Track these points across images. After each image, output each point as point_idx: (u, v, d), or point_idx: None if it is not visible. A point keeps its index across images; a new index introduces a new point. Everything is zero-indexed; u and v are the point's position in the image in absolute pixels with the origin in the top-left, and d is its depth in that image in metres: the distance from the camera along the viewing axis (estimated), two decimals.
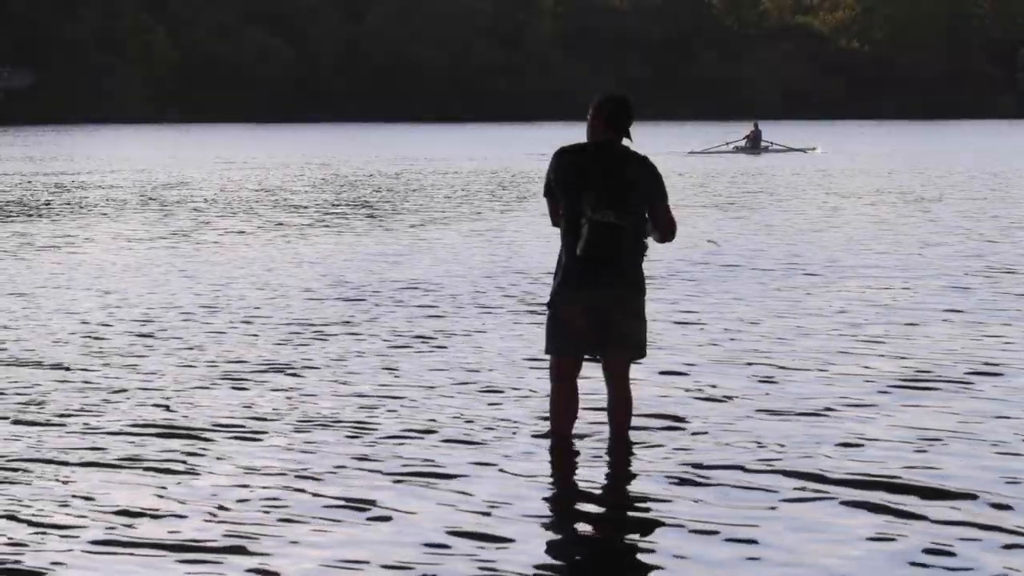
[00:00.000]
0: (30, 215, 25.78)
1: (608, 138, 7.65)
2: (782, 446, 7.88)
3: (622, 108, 7.69)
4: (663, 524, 6.50)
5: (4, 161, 49.08)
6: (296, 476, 7.31)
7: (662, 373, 10.08)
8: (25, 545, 6.23)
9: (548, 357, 7.89)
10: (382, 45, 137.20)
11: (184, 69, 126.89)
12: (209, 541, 6.27)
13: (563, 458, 7.65)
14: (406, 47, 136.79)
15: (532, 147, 60.06)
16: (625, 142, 7.73)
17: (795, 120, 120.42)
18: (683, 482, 7.17)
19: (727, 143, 56.35)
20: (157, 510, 6.72)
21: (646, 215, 7.65)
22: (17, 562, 6.02)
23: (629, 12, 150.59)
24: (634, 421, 8.21)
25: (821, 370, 10.24)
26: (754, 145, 55.74)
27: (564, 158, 7.65)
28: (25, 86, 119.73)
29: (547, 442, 7.90)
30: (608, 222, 7.46)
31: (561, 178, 7.61)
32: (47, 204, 28.62)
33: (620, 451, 7.73)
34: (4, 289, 15.11)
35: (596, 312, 7.61)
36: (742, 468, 7.43)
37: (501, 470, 7.37)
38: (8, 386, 9.70)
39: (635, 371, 9.44)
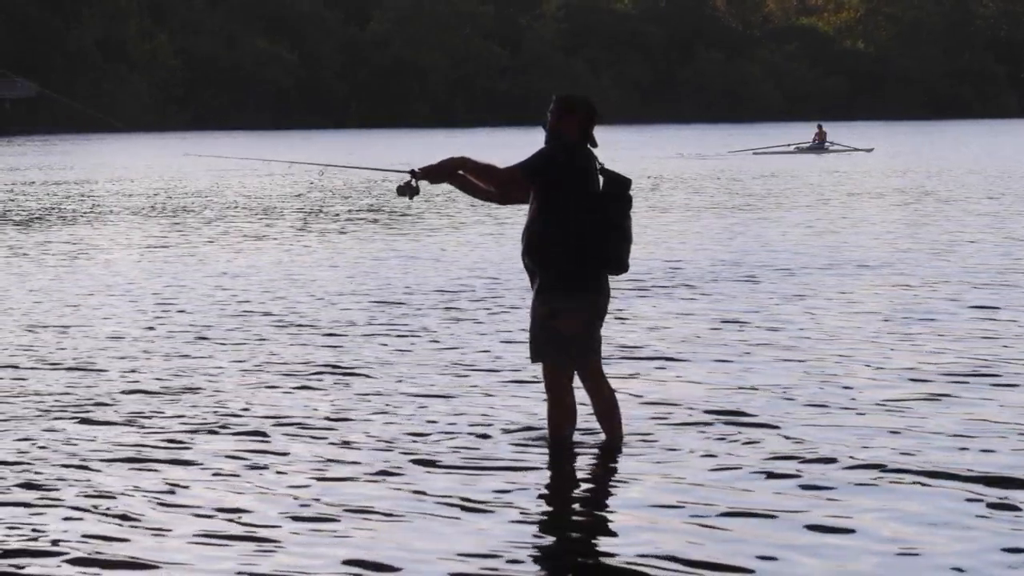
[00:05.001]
0: (56, 223, 25.92)
1: (582, 141, 7.62)
2: (833, 443, 8.06)
3: (595, 115, 7.69)
4: (702, 521, 6.71)
5: (18, 171, 49.22)
6: (363, 471, 7.56)
7: (708, 372, 10.32)
8: (112, 540, 6.47)
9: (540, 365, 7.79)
10: (384, 49, 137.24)
11: (187, 76, 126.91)
12: (290, 534, 6.52)
13: (574, 463, 7.68)
14: (408, 51, 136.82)
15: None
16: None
17: (799, 121, 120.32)
18: (714, 478, 7.37)
19: (789, 144, 57.43)
20: (237, 505, 6.97)
21: None
22: (106, 557, 6.26)
23: (632, 14, 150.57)
24: (678, 421, 8.43)
25: (868, 366, 10.47)
26: (819, 146, 57.00)
27: (574, 156, 7.58)
28: (29, 95, 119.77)
29: (553, 451, 7.85)
30: (625, 226, 7.58)
31: (568, 176, 7.54)
32: (71, 212, 28.75)
33: (626, 451, 7.82)
34: (51, 297, 15.30)
35: (593, 318, 7.64)
36: (777, 462, 7.65)
37: (516, 479, 7.41)
38: (74, 389, 9.94)
39: (678, 368, 9.66)
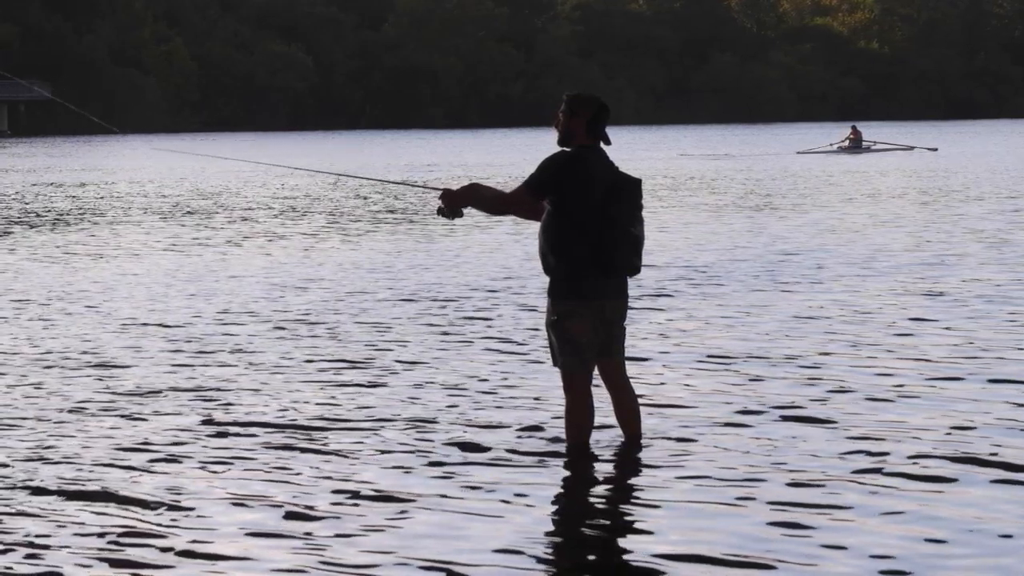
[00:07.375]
0: (77, 224, 25.96)
1: (589, 141, 7.55)
2: (862, 437, 7.99)
3: (602, 113, 7.58)
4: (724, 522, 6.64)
5: (35, 172, 49.36)
6: (396, 465, 7.59)
7: (751, 370, 10.26)
8: (156, 536, 6.43)
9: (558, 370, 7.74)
10: (398, 53, 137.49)
11: (202, 79, 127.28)
12: (335, 528, 6.50)
13: (591, 463, 7.61)
14: (422, 54, 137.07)
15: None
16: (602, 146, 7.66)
17: (813, 122, 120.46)
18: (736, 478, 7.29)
19: (831, 144, 58.72)
20: (279, 499, 6.96)
21: None
22: (152, 552, 6.22)
23: (646, 15, 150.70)
24: (716, 420, 8.38)
25: (919, 360, 10.38)
26: (856, 146, 57.79)
27: (578, 161, 7.50)
28: (43, 99, 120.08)
29: (571, 454, 7.74)
30: (638, 233, 7.51)
31: (568, 178, 7.46)
32: (92, 213, 28.81)
33: (644, 452, 7.73)
34: (77, 296, 15.31)
35: (605, 322, 7.57)
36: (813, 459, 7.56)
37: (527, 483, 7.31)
38: (108, 386, 9.92)
39: (702, 368, 9.62)
